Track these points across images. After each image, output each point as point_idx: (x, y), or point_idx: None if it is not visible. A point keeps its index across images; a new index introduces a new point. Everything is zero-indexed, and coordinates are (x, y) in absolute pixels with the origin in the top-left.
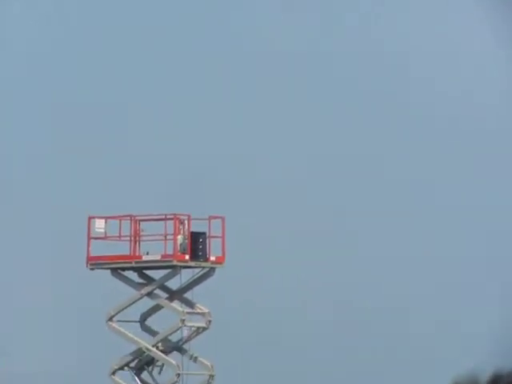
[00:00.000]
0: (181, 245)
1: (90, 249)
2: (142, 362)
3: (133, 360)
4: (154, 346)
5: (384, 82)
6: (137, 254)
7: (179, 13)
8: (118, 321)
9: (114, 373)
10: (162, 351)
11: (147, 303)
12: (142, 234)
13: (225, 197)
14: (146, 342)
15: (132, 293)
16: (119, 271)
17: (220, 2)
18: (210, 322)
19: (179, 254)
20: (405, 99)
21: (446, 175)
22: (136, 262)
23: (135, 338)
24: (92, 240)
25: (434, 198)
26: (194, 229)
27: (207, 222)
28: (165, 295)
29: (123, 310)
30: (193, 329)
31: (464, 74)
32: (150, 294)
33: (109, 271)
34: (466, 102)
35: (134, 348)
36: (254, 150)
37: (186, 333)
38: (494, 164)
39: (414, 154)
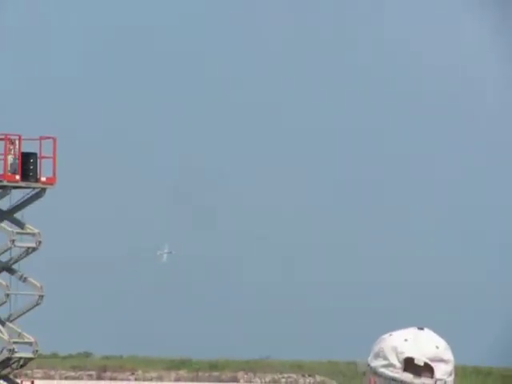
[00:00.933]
0: (11, 165)
1: None
2: None
3: None
4: None
5: (386, 69)
6: None
7: (179, 13)
8: None
9: None
10: None
11: None
12: None
13: (56, 117)
14: None
15: None
16: None
17: (220, 2)
18: (40, 242)
19: (9, 174)
20: (403, 85)
21: (447, 158)
22: None
23: None
24: None
25: (436, 175)
26: (24, 149)
27: (38, 142)
28: None
29: None
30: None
31: (463, 62)
32: None
33: None
34: (465, 93)
35: None
36: (254, 149)
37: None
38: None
39: (415, 136)
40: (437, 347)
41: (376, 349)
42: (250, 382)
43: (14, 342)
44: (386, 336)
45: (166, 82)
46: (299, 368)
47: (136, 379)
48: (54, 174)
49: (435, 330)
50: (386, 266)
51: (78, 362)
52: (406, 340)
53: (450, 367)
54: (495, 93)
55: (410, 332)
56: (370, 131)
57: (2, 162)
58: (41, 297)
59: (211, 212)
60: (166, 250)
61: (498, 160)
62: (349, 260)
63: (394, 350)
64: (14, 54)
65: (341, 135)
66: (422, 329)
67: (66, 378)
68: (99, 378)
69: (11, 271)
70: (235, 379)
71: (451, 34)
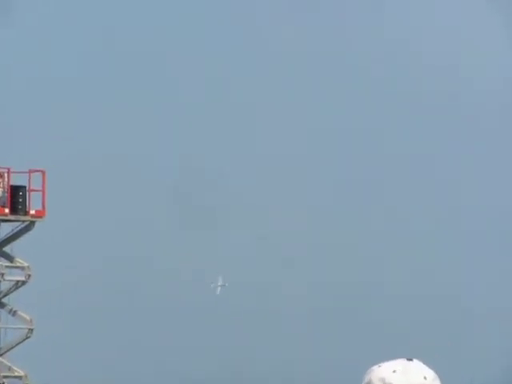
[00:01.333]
0: (0, 198)
1: None
2: None
3: None
4: None
5: (386, 69)
6: None
7: (179, 13)
8: None
9: None
10: None
11: None
12: None
13: (44, 150)
14: None
15: None
16: None
17: (220, 2)
18: (29, 275)
19: None
20: (403, 85)
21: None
22: None
23: None
24: None
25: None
26: (14, 182)
27: (27, 175)
28: None
29: None
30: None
31: (463, 62)
32: None
33: None
34: (466, 89)
35: None
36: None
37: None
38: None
39: (415, 136)
40: (425, 378)
41: (366, 379)
42: None
43: (4, 377)
44: (375, 367)
45: (166, 81)
46: None
47: None
48: (44, 206)
49: (424, 361)
50: (386, 266)
51: None
52: (394, 371)
53: None
54: (495, 93)
55: (399, 363)
56: (370, 131)
57: None
58: (30, 330)
59: (211, 212)
60: (219, 283)
61: (498, 160)
62: (349, 260)
63: (382, 380)
64: (14, 53)
65: (341, 135)
66: (411, 360)
67: None
68: None
69: (1, 305)
70: None
71: (451, 33)
